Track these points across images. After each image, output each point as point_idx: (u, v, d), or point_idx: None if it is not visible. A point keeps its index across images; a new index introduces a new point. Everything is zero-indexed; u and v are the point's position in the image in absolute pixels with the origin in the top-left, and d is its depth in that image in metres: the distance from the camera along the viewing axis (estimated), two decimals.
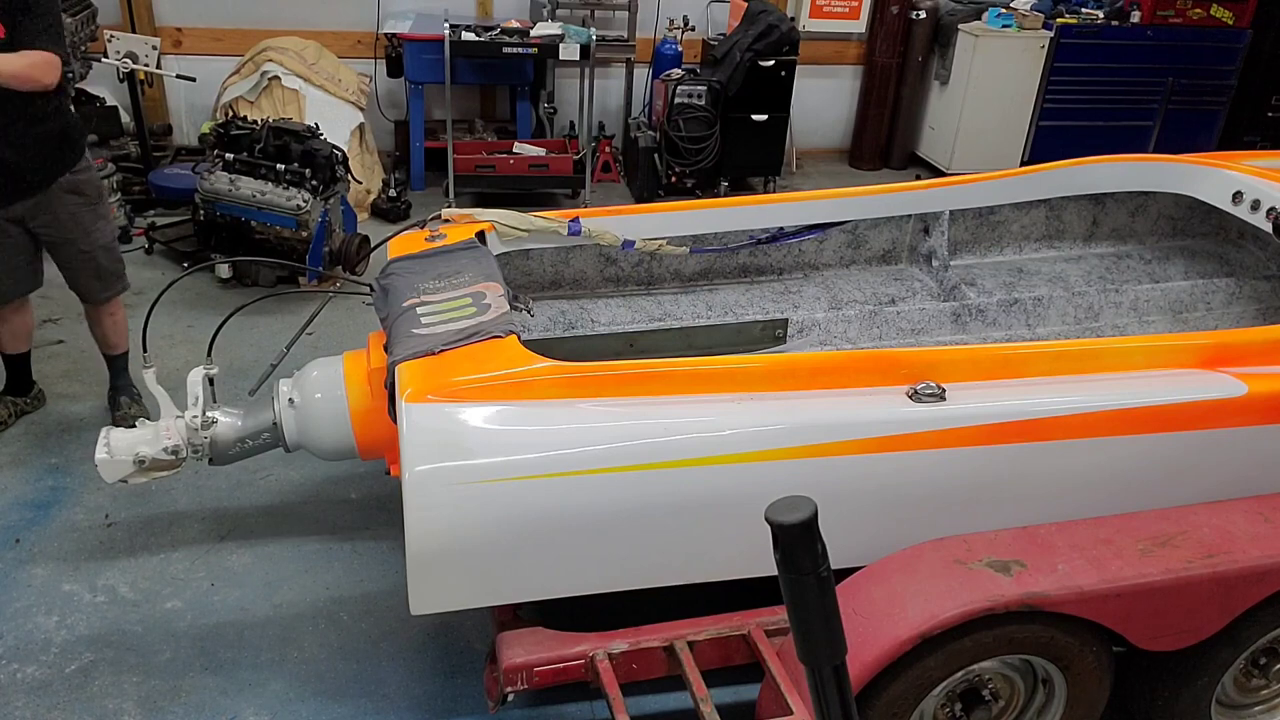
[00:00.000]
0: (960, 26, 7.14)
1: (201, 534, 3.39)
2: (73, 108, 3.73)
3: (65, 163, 3.43)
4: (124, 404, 3.89)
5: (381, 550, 3.34)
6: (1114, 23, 7.16)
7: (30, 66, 3.11)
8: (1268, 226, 3.46)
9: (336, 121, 5.86)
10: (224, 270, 5.11)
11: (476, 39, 6.07)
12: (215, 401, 2.95)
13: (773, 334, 3.64)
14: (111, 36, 5.49)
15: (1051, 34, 7.01)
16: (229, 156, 4.91)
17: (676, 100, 6.42)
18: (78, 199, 3.49)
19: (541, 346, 2.77)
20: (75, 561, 3.24)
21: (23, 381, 3.95)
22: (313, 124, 5.14)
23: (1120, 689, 2.53)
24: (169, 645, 2.94)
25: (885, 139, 7.72)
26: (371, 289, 2.98)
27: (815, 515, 1.06)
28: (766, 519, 1.06)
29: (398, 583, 3.18)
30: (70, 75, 4.98)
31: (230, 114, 5.51)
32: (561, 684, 2.45)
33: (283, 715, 2.74)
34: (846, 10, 7.35)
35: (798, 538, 1.06)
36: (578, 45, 6.11)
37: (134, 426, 2.92)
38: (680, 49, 6.85)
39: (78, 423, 3.94)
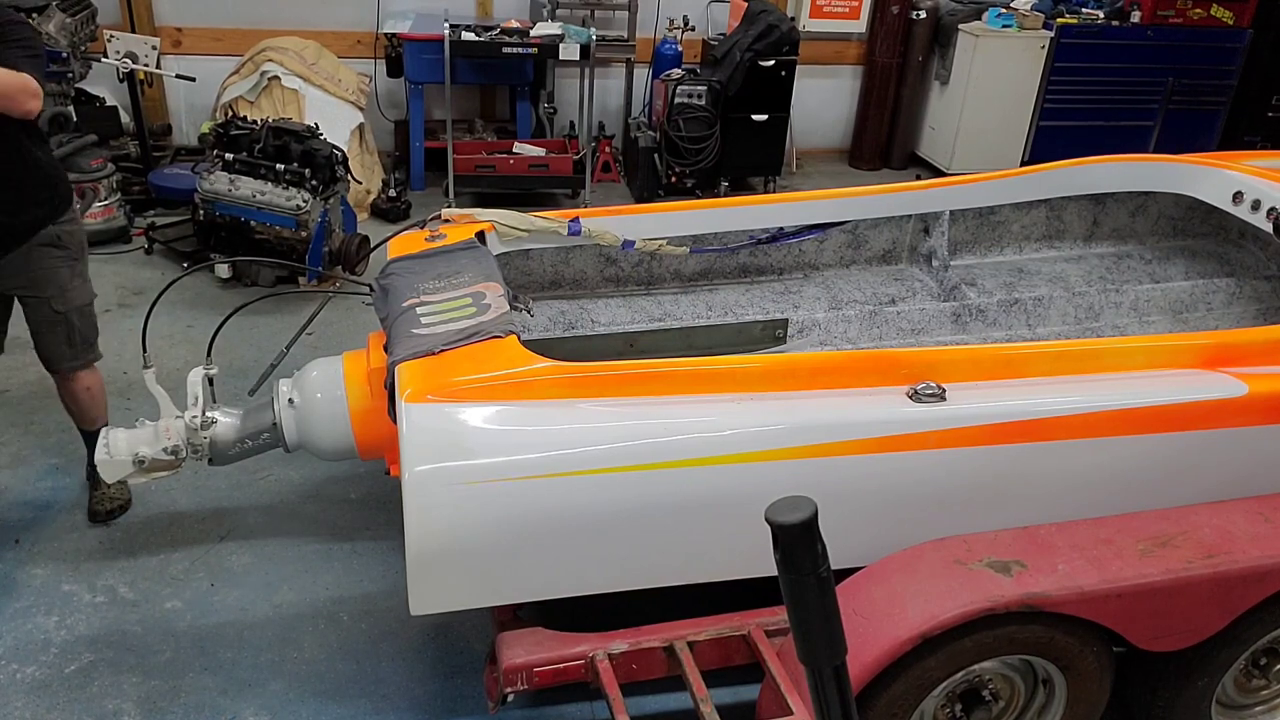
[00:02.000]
0: (960, 26, 7.14)
1: (201, 534, 3.39)
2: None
3: (53, 211, 3.07)
4: (102, 482, 3.22)
5: (381, 550, 3.34)
6: (1114, 23, 7.16)
7: (8, 85, 2.72)
8: (1268, 226, 3.46)
9: (336, 121, 5.86)
10: (224, 270, 5.11)
11: (476, 39, 6.07)
12: (215, 401, 2.95)
13: (773, 334, 3.64)
14: (111, 36, 5.50)
15: (1051, 34, 7.01)
16: (229, 156, 4.91)
17: (676, 100, 6.42)
18: (58, 253, 3.10)
19: (541, 346, 2.77)
20: (75, 561, 3.24)
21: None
22: (313, 124, 5.14)
23: (1120, 689, 2.53)
24: (169, 645, 2.94)
25: (885, 139, 7.72)
26: (371, 289, 2.98)
27: (815, 515, 1.05)
28: (766, 519, 1.06)
29: (398, 583, 3.18)
30: (71, 75, 4.99)
31: (230, 114, 5.51)
32: (561, 684, 2.45)
33: (283, 715, 2.73)
34: (846, 10, 7.35)
35: (798, 538, 1.06)
36: (578, 45, 6.11)
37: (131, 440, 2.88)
38: (680, 49, 6.85)
39: None
